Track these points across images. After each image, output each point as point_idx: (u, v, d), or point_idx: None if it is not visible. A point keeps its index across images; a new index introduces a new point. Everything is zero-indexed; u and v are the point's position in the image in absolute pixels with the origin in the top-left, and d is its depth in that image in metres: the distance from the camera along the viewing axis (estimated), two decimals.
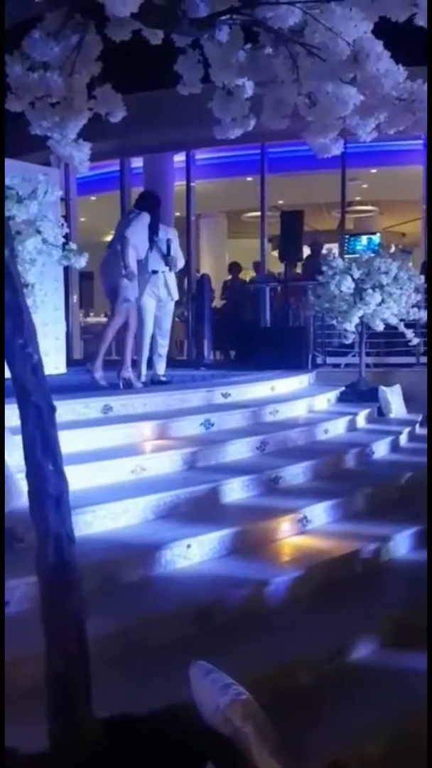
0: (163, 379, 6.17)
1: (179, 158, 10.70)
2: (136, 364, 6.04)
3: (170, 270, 6.03)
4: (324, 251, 10.05)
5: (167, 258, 5.96)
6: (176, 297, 6.18)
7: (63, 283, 7.13)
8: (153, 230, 5.88)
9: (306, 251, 10.02)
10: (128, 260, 5.61)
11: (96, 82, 2.12)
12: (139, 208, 5.93)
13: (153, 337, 6.21)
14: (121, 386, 5.64)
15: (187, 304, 10.33)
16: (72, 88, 2.06)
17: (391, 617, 3.02)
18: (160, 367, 6.21)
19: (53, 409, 1.86)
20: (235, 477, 4.09)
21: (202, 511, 3.73)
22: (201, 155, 10.69)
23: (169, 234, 6.06)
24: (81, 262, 4.73)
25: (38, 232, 3.83)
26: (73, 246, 4.65)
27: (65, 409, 4.42)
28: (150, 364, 6.23)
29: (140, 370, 6.05)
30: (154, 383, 6.08)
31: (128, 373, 5.72)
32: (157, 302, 6.07)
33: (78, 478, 3.71)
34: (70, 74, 2.04)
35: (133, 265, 5.65)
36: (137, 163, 10.89)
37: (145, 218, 5.81)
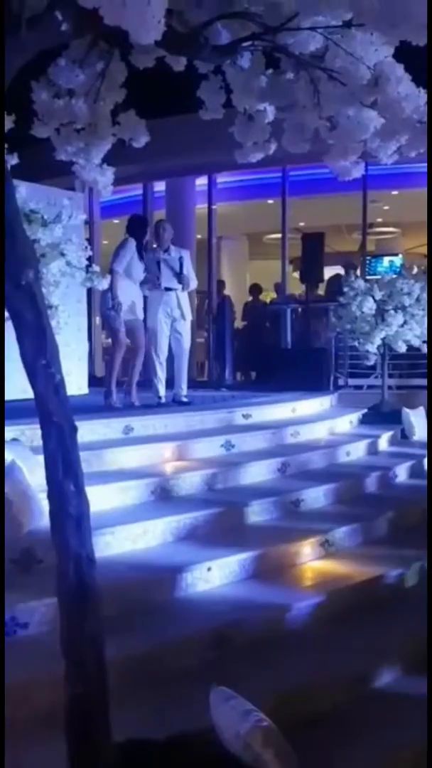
0: (184, 399, 6.19)
1: (201, 182, 10.80)
2: (152, 385, 6.10)
3: (183, 289, 6.08)
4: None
5: (180, 276, 6.01)
6: (189, 317, 6.22)
7: (86, 304, 7.19)
8: (139, 251, 5.97)
9: (330, 272, 10.02)
10: (116, 291, 5.77)
11: (120, 109, 2.17)
12: (128, 234, 6.06)
13: (173, 358, 6.25)
14: (126, 404, 5.80)
15: (209, 326, 10.37)
16: (96, 115, 2.11)
17: (415, 644, 2.96)
18: (182, 388, 6.23)
19: (75, 429, 1.87)
20: (255, 499, 4.07)
21: (222, 533, 3.71)
22: (222, 178, 10.79)
23: (182, 253, 6.13)
24: (103, 284, 4.78)
25: (62, 254, 3.88)
26: (96, 268, 4.70)
27: (87, 429, 4.44)
28: (171, 384, 6.25)
29: (158, 391, 6.08)
30: (176, 404, 6.10)
31: (133, 395, 5.90)
32: (172, 322, 6.12)
33: (99, 499, 3.71)
34: (95, 101, 2.09)
35: (121, 297, 5.79)
36: (160, 186, 11.03)
37: (130, 243, 5.95)
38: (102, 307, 5.97)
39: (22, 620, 2.65)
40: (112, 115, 2.16)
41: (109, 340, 6.51)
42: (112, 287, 5.71)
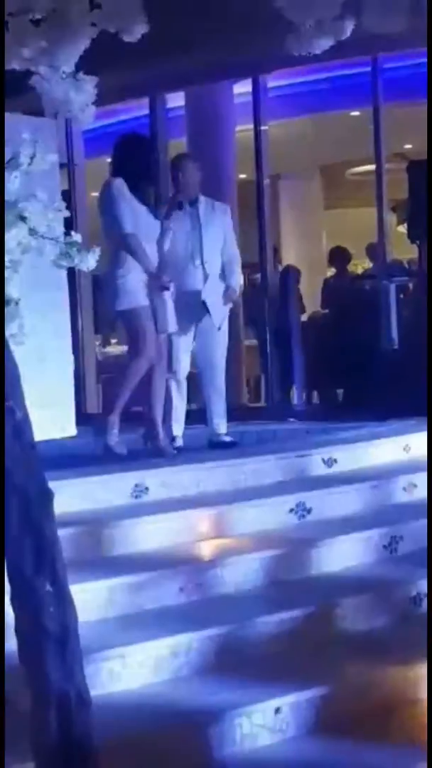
0: (227, 439, 6.19)
1: (242, 89, 10.86)
2: (165, 421, 6.06)
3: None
4: None
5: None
6: (222, 311, 6.21)
7: (67, 295, 7.29)
8: (138, 188, 5.88)
9: None
10: (147, 262, 5.75)
11: None
12: (122, 168, 5.96)
13: (203, 378, 6.30)
14: (149, 450, 5.76)
15: (263, 318, 10.36)
16: None
17: None
18: (219, 423, 6.23)
19: (48, 495, 1.91)
20: (347, 596, 4.08)
21: (295, 653, 3.72)
22: (276, 82, 10.82)
23: (216, 208, 6.20)
24: (89, 262, 4.72)
25: (22, 218, 3.88)
26: (75, 237, 4.70)
27: (75, 492, 4.45)
28: (196, 417, 6.28)
29: (171, 429, 6.11)
30: (213, 447, 6.12)
31: (161, 435, 5.81)
32: (196, 323, 6.15)
33: (95, 604, 3.76)
34: None
35: (147, 263, 5.78)
36: (177, 101, 11.13)
37: (119, 187, 5.84)
38: (107, 294, 5.92)
39: None
40: None
41: (108, 349, 6.53)
42: (137, 256, 5.70)
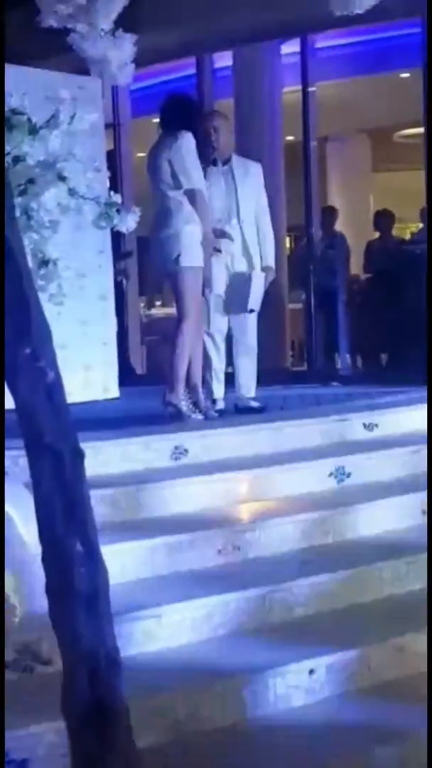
0: (253, 405, 6.11)
1: (290, 49, 10.75)
2: (205, 384, 6.00)
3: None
4: None
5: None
6: (260, 273, 6.12)
7: (111, 257, 7.28)
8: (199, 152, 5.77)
9: None
10: (209, 222, 5.67)
11: None
12: (174, 125, 5.78)
13: (233, 339, 6.26)
14: (168, 416, 5.63)
15: (308, 282, 10.31)
16: None
17: None
18: (246, 387, 6.18)
19: (80, 455, 1.90)
20: (386, 560, 4.06)
21: (331, 616, 3.72)
22: (324, 42, 10.69)
23: (249, 167, 6.11)
24: (128, 223, 4.66)
25: (61, 178, 3.86)
26: (115, 198, 4.63)
27: (115, 454, 4.53)
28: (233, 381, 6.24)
29: (211, 391, 6.06)
30: (241, 412, 6.10)
31: (179, 397, 5.68)
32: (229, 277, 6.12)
33: (134, 564, 3.80)
34: None
35: (209, 223, 5.70)
36: (224, 61, 11.04)
37: (190, 142, 5.68)
38: (168, 248, 5.74)
39: (20, 756, 2.70)
40: None
41: (153, 312, 6.42)
42: (204, 217, 5.63)
